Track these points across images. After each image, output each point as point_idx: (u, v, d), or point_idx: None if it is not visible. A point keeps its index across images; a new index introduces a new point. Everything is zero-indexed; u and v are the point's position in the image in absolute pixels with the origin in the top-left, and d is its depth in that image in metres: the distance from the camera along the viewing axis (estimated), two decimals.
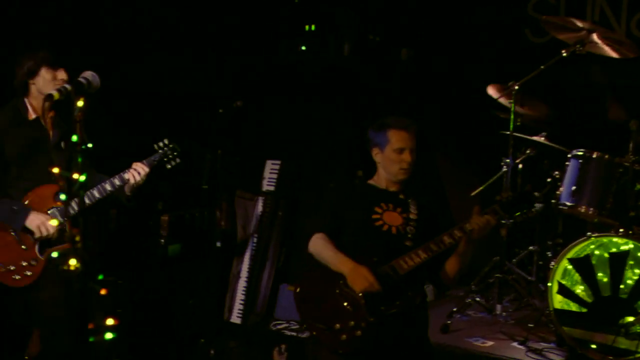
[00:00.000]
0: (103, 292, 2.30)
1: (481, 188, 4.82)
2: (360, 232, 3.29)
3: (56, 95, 2.20)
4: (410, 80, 5.89)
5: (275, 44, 5.83)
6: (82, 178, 2.02)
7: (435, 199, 3.18)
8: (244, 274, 5.16)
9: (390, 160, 3.29)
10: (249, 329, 4.98)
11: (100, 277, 2.25)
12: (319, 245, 3.25)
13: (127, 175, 3.46)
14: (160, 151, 3.62)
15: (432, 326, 4.22)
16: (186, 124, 5.19)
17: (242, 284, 5.15)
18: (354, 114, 5.74)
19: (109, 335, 2.35)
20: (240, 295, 5.12)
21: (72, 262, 1.97)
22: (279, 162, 5.36)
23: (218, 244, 4.94)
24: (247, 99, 5.26)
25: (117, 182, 3.42)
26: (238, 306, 5.10)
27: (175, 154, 3.65)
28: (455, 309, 4.39)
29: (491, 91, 4.76)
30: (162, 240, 4.90)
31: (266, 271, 5.12)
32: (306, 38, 5.78)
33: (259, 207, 5.27)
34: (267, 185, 5.30)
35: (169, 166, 3.64)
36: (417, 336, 3.29)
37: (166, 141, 3.65)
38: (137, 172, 3.44)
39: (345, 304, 3.09)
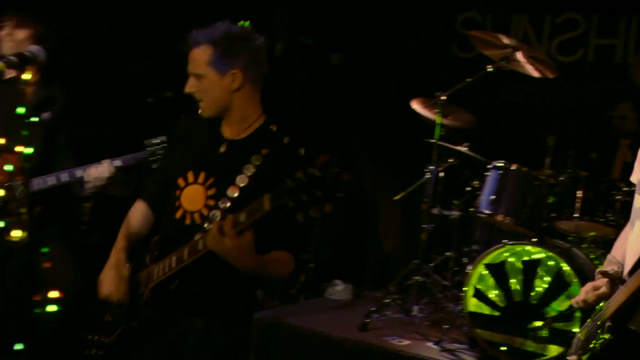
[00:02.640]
0: (47, 265, 2.26)
1: (403, 193, 4.96)
2: (164, 218, 2.67)
3: (1, 65, 2.17)
4: (340, 84, 6.01)
5: None
6: (28, 151, 1.99)
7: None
8: None
9: None
10: None
11: (45, 250, 2.20)
12: (126, 220, 2.70)
13: (80, 173, 3.24)
14: (148, 149, 3.36)
15: (351, 324, 4.37)
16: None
17: None
18: (284, 114, 5.79)
19: (52, 308, 2.33)
20: None
21: (16, 233, 1.93)
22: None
23: None
24: (175, 89, 5.22)
25: (64, 177, 3.22)
26: None
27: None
28: (373, 309, 4.49)
29: (415, 105, 4.91)
30: None
31: None
32: None
33: None
34: None
35: (154, 165, 3.34)
36: None
37: (161, 139, 3.36)
38: (98, 170, 3.22)
39: (107, 313, 2.63)
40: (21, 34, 3.55)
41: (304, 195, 2.05)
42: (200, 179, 2.55)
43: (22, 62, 2.19)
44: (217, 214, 2.46)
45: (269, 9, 5.82)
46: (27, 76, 2.15)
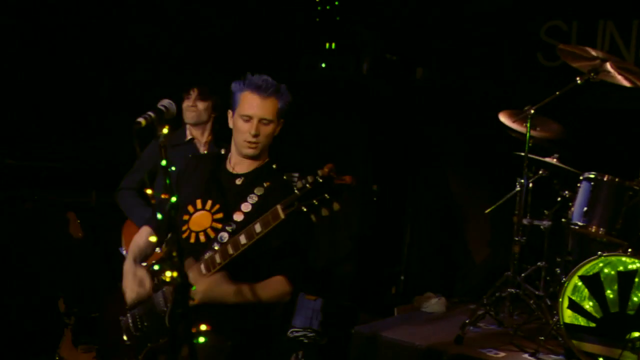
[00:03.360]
0: (193, 302, 2.53)
1: (494, 207, 5.03)
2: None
3: (142, 122, 2.41)
4: (426, 99, 6.11)
5: (296, 60, 6.06)
6: (173, 199, 2.24)
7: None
8: None
9: (236, 127, 2.94)
10: None
11: (194, 288, 2.46)
12: (134, 240, 3.06)
13: None
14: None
15: (446, 337, 4.47)
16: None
17: None
18: (371, 130, 5.97)
19: (201, 339, 2.66)
20: None
21: (168, 274, 2.19)
22: (296, 174, 5.54)
23: None
24: None
25: None
26: None
27: None
28: (467, 321, 4.58)
29: (503, 118, 4.96)
30: None
31: None
32: (326, 55, 6.01)
33: None
34: None
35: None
36: None
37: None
38: None
39: (125, 336, 2.90)
40: (202, 104, 4.13)
41: (314, 200, 2.48)
42: (208, 206, 2.93)
43: (159, 117, 2.42)
44: (225, 235, 2.83)
45: (353, 29, 6.00)
46: (165, 130, 2.40)
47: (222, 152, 2.98)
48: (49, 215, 4.90)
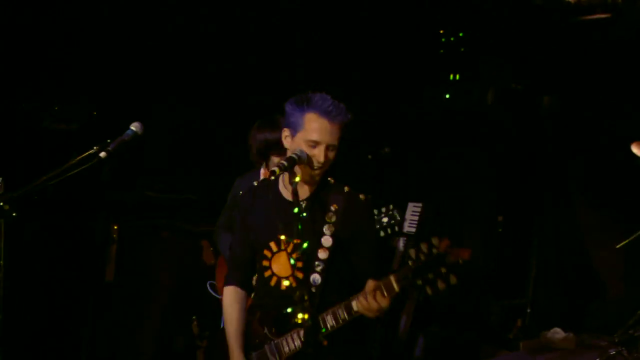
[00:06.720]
0: (325, 343, 2.62)
1: (627, 241, 4.83)
2: (257, 286, 2.94)
3: (277, 170, 2.55)
4: (552, 127, 5.97)
5: (419, 93, 6.11)
6: (305, 245, 2.38)
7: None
8: None
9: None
10: None
11: (323, 330, 2.53)
12: (225, 311, 2.97)
13: None
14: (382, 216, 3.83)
15: None
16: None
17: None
18: (495, 161, 5.91)
19: None
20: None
21: (301, 316, 2.32)
22: (420, 204, 5.59)
23: None
24: (392, 145, 5.55)
25: None
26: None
27: (392, 222, 3.84)
28: None
29: (635, 149, 4.76)
30: None
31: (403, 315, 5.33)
32: (450, 86, 6.03)
33: (400, 247, 5.51)
34: (409, 227, 5.52)
35: (382, 234, 3.83)
36: None
37: (391, 207, 3.85)
38: None
39: None
40: None
41: (430, 274, 2.39)
42: (283, 245, 2.78)
43: (290, 165, 2.57)
44: (317, 277, 2.73)
45: (478, 59, 5.97)
46: (297, 178, 2.54)
47: (272, 178, 2.63)
48: (184, 243, 5.19)
